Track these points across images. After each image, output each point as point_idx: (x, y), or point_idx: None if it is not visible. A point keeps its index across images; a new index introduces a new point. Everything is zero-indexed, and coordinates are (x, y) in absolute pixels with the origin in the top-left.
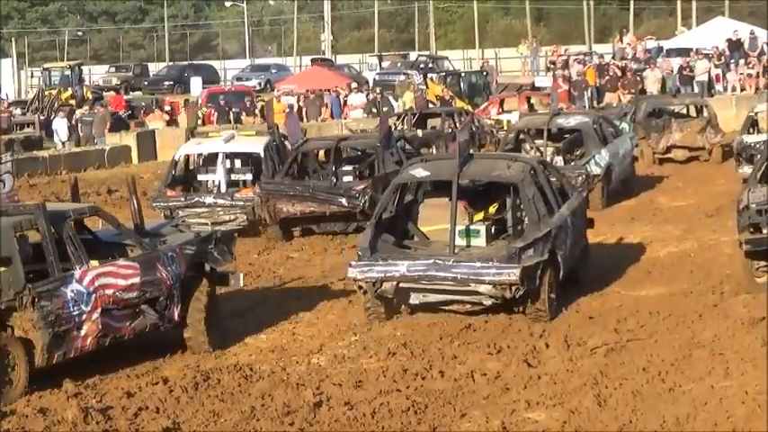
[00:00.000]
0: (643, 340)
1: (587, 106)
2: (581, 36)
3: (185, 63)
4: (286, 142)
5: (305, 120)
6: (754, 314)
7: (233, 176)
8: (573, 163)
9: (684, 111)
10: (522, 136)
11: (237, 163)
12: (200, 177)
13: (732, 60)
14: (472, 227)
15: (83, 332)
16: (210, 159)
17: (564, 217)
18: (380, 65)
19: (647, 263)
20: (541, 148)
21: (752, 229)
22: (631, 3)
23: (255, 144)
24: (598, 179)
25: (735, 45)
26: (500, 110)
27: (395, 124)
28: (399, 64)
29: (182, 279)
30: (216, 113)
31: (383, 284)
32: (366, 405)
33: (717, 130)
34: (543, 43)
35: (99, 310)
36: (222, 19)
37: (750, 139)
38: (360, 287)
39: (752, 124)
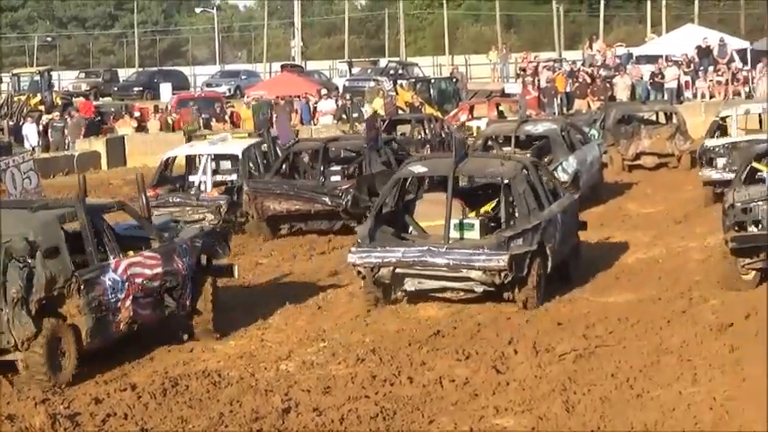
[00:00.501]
0: (611, 346)
1: (557, 113)
2: (551, 43)
3: (155, 69)
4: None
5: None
6: (723, 320)
7: (218, 177)
8: None
9: (654, 117)
10: (490, 143)
11: (224, 164)
12: (190, 178)
13: (701, 67)
14: (466, 220)
15: (117, 318)
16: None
17: (554, 213)
18: (350, 71)
19: (615, 269)
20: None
21: (737, 228)
22: (601, 10)
23: (236, 146)
24: (566, 186)
25: (704, 52)
26: (470, 116)
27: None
28: (369, 70)
29: (193, 270)
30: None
31: (380, 270)
32: (335, 411)
33: (686, 136)
34: (513, 50)
35: (131, 297)
36: (192, 25)
37: (710, 143)
38: (359, 272)
39: (717, 129)
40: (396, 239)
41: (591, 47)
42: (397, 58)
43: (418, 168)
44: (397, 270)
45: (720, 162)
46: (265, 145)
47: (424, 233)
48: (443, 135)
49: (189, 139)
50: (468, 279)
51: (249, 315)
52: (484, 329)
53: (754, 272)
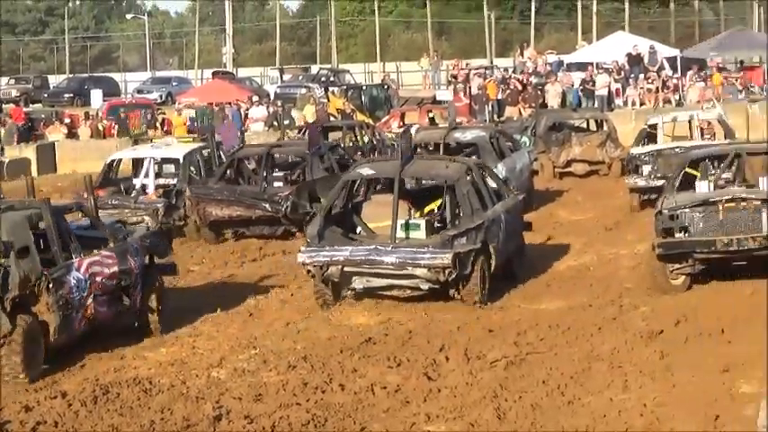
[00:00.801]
0: (543, 353)
1: (488, 120)
2: (482, 50)
3: (86, 75)
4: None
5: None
6: (653, 327)
7: (162, 180)
8: None
9: (584, 125)
10: (419, 150)
11: (168, 168)
12: (134, 181)
13: (632, 75)
14: (412, 221)
15: (80, 315)
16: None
17: (498, 213)
18: (282, 78)
19: (547, 276)
20: None
21: (664, 234)
22: (532, 17)
23: (178, 150)
24: None
25: (634, 60)
26: (401, 123)
27: (297, 137)
28: (301, 77)
29: (143, 268)
30: (116, 126)
31: (329, 268)
32: (266, 419)
33: (616, 144)
34: (444, 57)
35: (92, 295)
36: (123, 31)
37: (636, 150)
38: (308, 271)
39: (646, 136)
40: (344, 239)
41: (522, 54)
42: (329, 65)
43: (366, 171)
44: (346, 269)
45: (646, 169)
46: (208, 150)
47: (372, 233)
48: (375, 142)
49: (135, 143)
50: (414, 277)
51: (180, 322)
52: (415, 336)
53: (683, 276)
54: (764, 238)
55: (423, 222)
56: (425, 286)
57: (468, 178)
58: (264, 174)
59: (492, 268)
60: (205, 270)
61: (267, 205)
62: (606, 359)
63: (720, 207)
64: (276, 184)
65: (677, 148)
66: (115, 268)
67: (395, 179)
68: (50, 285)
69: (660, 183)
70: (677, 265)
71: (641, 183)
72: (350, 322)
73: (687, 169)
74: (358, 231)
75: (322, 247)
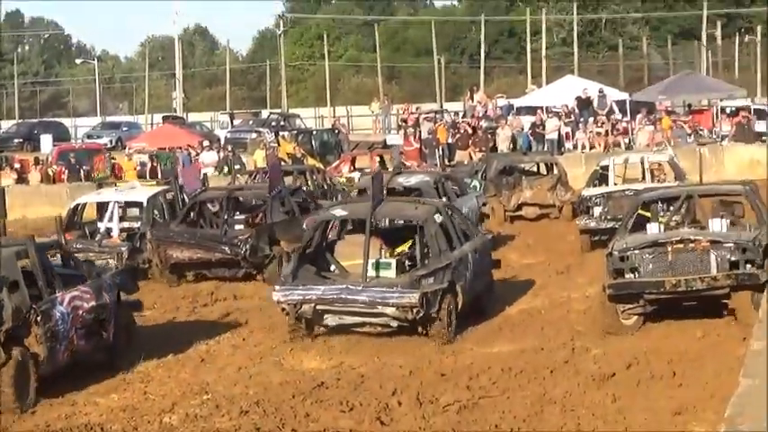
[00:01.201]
0: (495, 397)
1: (438, 164)
2: (432, 94)
3: (35, 120)
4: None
5: (158, 176)
6: (605, 370)
7: (125, 224)
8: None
9: (535, 168)
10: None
11: (132, 211)
12: (99, 225)
13: (582, 119)
14: (383, 260)
15: (64, 347)
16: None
17: (465, 252)
18: (232, 123)
19: (499, 320)
20: None
21: (615, 275)
22: (482, 61)
23: (142, 194)
24: None
25: (584, 103)
26: (352, 168)
27: (246, 182)
28: (251, 122)
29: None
30: (66, 171)
31: (302, 306)
32: None
33: (567, 187)
34: (395, 101)
35: (74, 328)
36: (73, 76)
37: (588, 192)
38: (282, 309)
39: (598, 178)
40: (317, 278)
41: (472, 98)
42: (279, 110)
43: (339, 212)
44: (318, 306)
45: (597, 211)
46: (172, 193)
47: (345, 272)
48: (326, 186)
49: (99, 187)
50: (384, 315)
51: (131, 367)
52: (367, 381)
53: (635, 317)
54: (712, 279)
55: (393, 262)
56: (395, 324)
57: (437, 219)
58: (225, 217)
59: (459, 307)
60: (156, 315)
61: (227, 248)
62: (558, 402)
63: (670, 248)
64: (237, 226)
65: (627, 190)
66: (93, 302)
67: (366, 220)
68: (39, 318)
69: (611, 224)
70: (628, 306)
71: (592, 224)
72: (302, 367)
73: (640, 211)
74: (332, 269)
75: (296, 285)
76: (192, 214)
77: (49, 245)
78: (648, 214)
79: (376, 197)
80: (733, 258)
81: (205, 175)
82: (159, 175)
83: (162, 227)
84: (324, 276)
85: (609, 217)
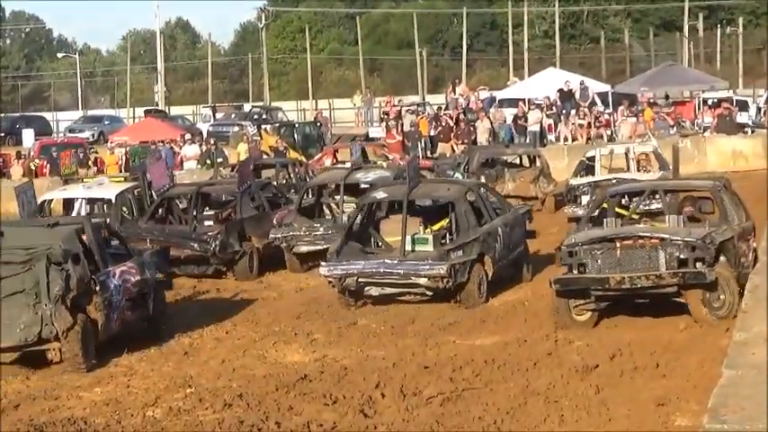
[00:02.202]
0: (478, 389)
1: (421, 157)
2: (414, 87)
3: (17, 115)
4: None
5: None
6: (588, 362)
7: (94, 221)
8: None
9: (517, 161)
10: (323, 190)
11: (98, 207)
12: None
13: (564, 111)
14: (421, 236)
15: (116, 317)
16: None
17: (495, 226)
18: (214, 116)
19: (481, 312)
20: (334, 205)
21: (565, 270)
22: (464, 53)
23: (110, 190)
24: None
25: (566, 95)
26: (334, 161)
27: (228, 175)
28: (233, 115)
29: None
30: (48, 165)
31: (346, 280)
32: None
33: (549, 179)
34: (377, 94)
35: (124, 300)
36: (54, 70)
37: (575, 181)
38: (329, 282)
39: (584, 168)
40: (360, 254)
41: (454, 90)
42: (261, 103)
43: (380, 194)
44: (360, 279)
45: (584, 199)
46: (140, 189)
47: (389, 246)
48: (308, 179)
49: (66, 183)
50: (418, 285)
51: (114, 361)
52: (351, 373)
53: (588, 313)
54: (657, 277)
55: (430, 237)
56: (429, 293)
57: (467, 198)
58: (194, 213)
59: (489, 275)
60: None
61: (196, 244)
62: (542, 394)
63: (618, 245)
64: (206, 222)
65: (614, 179)
66: (138, 277)
67: (403, 201)
68: (98, 288)
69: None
70: (580, 302)
71: (580, 212)
72: (285, 360)
73: (605, 205)
74: (378, 245)
75: (339, 261)
76: (160, 211)
77: (98, 225)
78: (619, 209)
79: (412, 180)
80: (682, 256)
81: (171, 171)
82: (123, 170)
83: (130, 223)
84: (366, 252)
85: None
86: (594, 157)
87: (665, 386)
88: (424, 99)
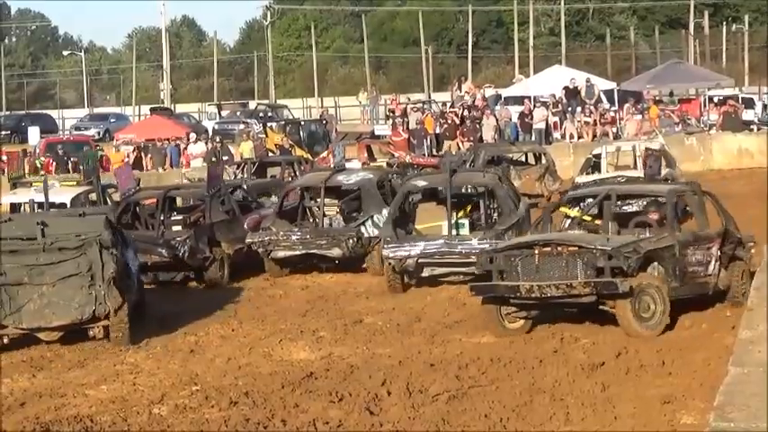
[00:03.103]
0: (484, 387)
1: (426, 154)
2: (420, 84)
3: (22, 112)
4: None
5: (146, 169)
6: (594, 360)
7: None
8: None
9: (523, 158)
10: (305, 194)
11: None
12: None
13: (569, 108)
14: (460, 220)
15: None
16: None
17: (524, 211)
18: (220, 114)
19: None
20: (315, 208)
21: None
22: (469, 51)
23: (64, 195)
24: (376, 241)
25: (572, 93)
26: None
27: (234, 173)
28: (239, 113)
29: None
30: (54, 163)
31: (407, 260)
32: None
33: (555, 177)
34: (382, 91)
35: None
36: (60, 68)
37: (581, 179)
38: (389, 263)
39: (591, 165)
40: (415, 237)
41: (460, 88)
42: (267, 101)
43: (420, 182)
44: (420, 260)
45: None
46: (95, 193)
47: (419, 233)
48: None
49: (14, 186)
50: (473, 264)
51: (120, 358)
52: (356, 371)
53: (521, 320)
54: (568, 286)
55: (467, 222)
56: (479, 272)
57: (502, 184)
58: (162, 218)
59: None
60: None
61: (163, 250)
62: (548, 392)
63: (536, 251)
64: (174, 227)
65: (620, 176)
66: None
67: (446, 188)
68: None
69: None
70: (512, 309)
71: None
72: (291, 357)
73: (563, 209)
74: (410, 231)
75: (400, 243)
76: (126, 215)
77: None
78: (572, 212)
79: (451, 169)
80: (599, 265)
81: (138, 180)
82: (68, 170)
83: None
84: (420, 235)
85: None
86: (601, 154)
87: (671, 384)
88: (429, 96)
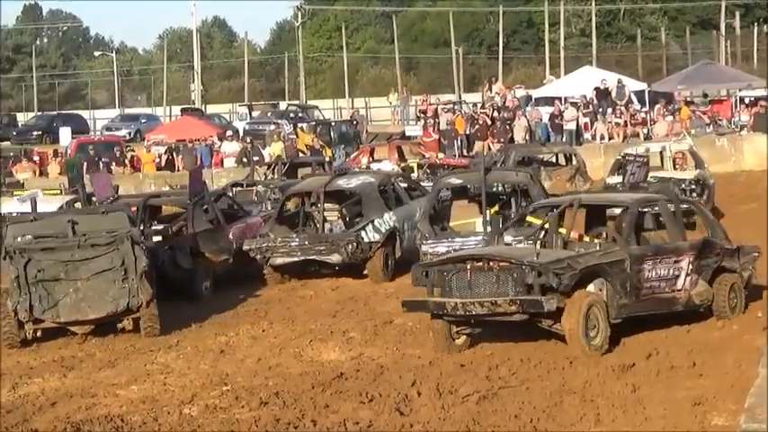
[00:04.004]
0: (514, 387)
1: (457, 155)
2: (450, 85)
3: (54, 113)
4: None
5: (178, 169)
6: (624, 361)
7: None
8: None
9: (554, 159)
10: (306, 200)
11: None
12: None
13: (600, 109)
14: (492, 217)
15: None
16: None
17: None
18: (251, 114)
19: None
20: (315, 213)
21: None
22: (500, 52)
23: (50, 204)
24: (377, 246)
25: (603, 94)
26: (371, 159)
27: (265, 174)
28: (269, 113)
29: None
30: (85, 164)
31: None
32: None
33: (586, 177)
34: (413, 92)
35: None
36: (91, 69)
37: (611, 180)
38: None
39: (619, 167)
40: (451, 233)
41: (490, 89)
42: (297, 101)
43: (454, 180)
44: None
45: None
46: (79, 203)
47: (451, 230)
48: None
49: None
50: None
51: (150, 358)
52: (387, 372)
53: (464, 336)
54: (493, 304)
55: (499, 219)
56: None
57: (535, 183)
58: (141, 227)
59: None
60: (171, 308)
61: None
62: (578, 393)
63: (469, 266)
64: (154, 238)
65: (652, 177)
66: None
67: (481, 186)
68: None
69: None
70: (462, 326)
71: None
72: (321, 358)
73: (529, 218)
74: (443, 228)
75: (439, 239)
76: None
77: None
78: (537, 221)
79: (485, 168)
80: (528, 281)
81: (116, 187)
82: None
83: None
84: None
85: None
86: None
87: (702, 385)
88: (460, 97)
